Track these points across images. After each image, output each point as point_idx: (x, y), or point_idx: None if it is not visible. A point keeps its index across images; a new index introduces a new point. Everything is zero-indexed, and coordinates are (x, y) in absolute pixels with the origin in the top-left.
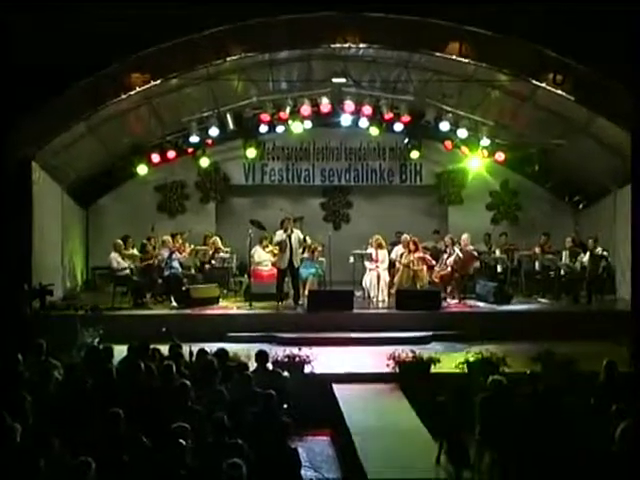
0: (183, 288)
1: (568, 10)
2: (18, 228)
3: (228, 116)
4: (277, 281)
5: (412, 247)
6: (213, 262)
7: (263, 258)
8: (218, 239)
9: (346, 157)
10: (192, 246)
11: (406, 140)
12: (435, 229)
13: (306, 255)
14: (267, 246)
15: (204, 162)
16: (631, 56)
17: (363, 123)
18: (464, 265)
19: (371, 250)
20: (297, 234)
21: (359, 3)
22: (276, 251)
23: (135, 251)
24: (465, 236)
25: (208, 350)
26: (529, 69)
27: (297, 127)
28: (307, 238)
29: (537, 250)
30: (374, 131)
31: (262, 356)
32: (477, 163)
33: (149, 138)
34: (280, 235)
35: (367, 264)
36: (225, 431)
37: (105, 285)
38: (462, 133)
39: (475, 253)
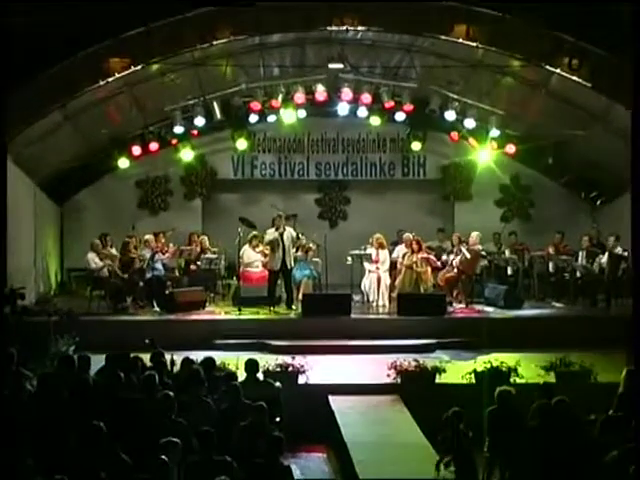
0: (166, 292)
1: None
2: None
3: (215, 105)
4: (269, 284)
5: (415, 247)
6: (199, 263)
7: (253, 259)
8: (206, 238)
9: (343, 149)
10: (176, 246)
11: (408, 131)
12: (440, 227)
13: (299, 254)
14: (257, 246)
15: (189, 155)
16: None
17: (362, 112)
18: (470, 265)
19: (371, 250)
20: (290, 232)
21: None
22: (267, 251)
23: (114, 251)
24: (474, 235)
25: (194, 359)
26: (542, 53)
27: (290, 116)
28: (301, 236)
29: (551, 250)
30: (374, 121)
31: (252, 365)
32: (486, 156)
33: (129, 129)
34: (271, 234)
35: (366, 265)
36: (212, 447)
37: (81, 288)
38: (469, 123)
39: (482, 252)
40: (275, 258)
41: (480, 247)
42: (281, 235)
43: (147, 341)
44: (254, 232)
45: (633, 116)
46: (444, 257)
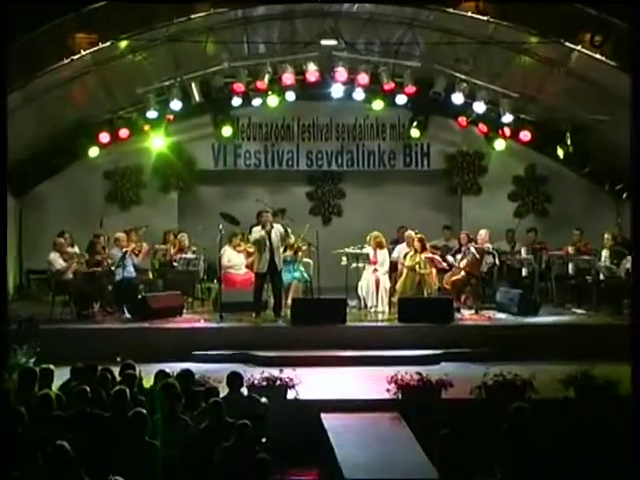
0: (138, 296)
1: None
2: None
3: (193, 86)
4: (255, 288)
5: (418, 246)
6: (175, 264)
7: (235, 260)
8: (185, 236)
9: (337, 136)
10: (150, 245)
11: (410, 116)
12: (446, 224)
13: (288, 254)
14: (239, 245)
15: (164, 142)
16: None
17: (358, 95)
18: (480, 266)
19: (368, 250)
20: (278, 230)
21: None
22: (251, 250)
23: (76, 250)
24: (483, 232)
25: (169, 372)
26: (561, 28)
27: (277, 100)
28: (290, 234)
29: (570, 250)
30: (372, 104)
31: (235, 379)
32: (498, 144)
33: (97, 113)
34: (257, 232)
35: (363, 266)
36: (191, 470)
37: (43, 293)
38: (479, 107)
39: (489, 248)
40: (262, 259)
41: (490, 246)
42: (268, 233)
43: (118, 359)
44: (235, 230)
45: (633, 116)
46: (450, 257)
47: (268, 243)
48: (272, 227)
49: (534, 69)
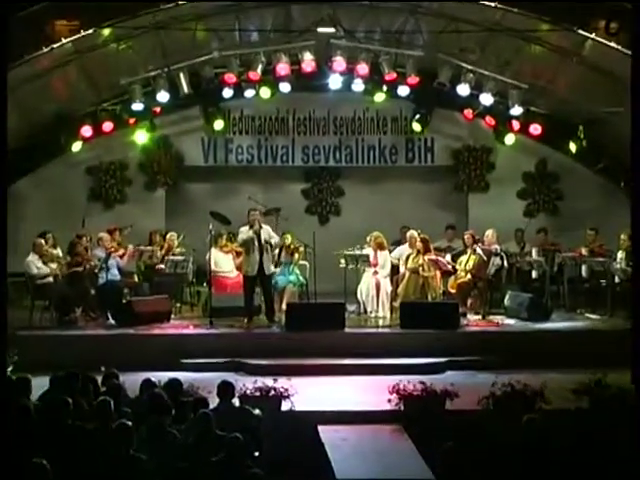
0: (123, 301)
1: None
2: None
3: (181, 76)
4: (244, 292)
5: (421, 247)
6: (162, 267)
7: (222, 263)
8: (175, 236)
9: (335, 130)
10: (135, 246)
11: (413, 108)
12: (450, 224)
13: (283, 256)
14: (225, 246)
15: (151, 136)
16: None
17: (357, 86)
18: (485, 267)
19: (368, 251)
20: (267, 231)
21: None
22: (240, 250)
23: (59, 251)
24: (490, 232)
25: (156, 381)
26: (574, 15)
27: (271, 91)
28: (287, 235)
29: (584, 251)
30: (372, 96)
31: (226, 389)
32: (506, 138)
33: (79, 105)
34: (246, 232)
35: (363, 269)
36: None
37: (21, 297)
38: (486, 99)
39: (497, 249)
40: (250, 261)
41: (498, 247)
42: (257, 233)
43: (102, 368)
44: (220, 230)
45: (633, 115)
46: (463, 259)
47: (257, 244)
48: (261, 227)
49: (545, 58)
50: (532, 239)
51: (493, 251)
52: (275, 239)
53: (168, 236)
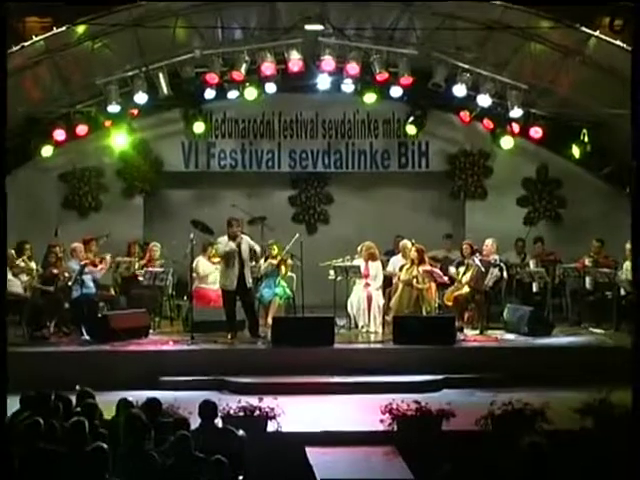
0: (99, 315)
1: None
2: None
3: (160, 77)
4: (225, 306)
5: (415, 257)
6: (140, 279)
7: (209, 272)
8: (158, 247)
9: (324, 133)
10: (112, 257)
11: (407, 110)
12: (447, 233)
13: (268, 267)
14: (214, 256)
15: (128, 140)
16: None
17: (347, 87)
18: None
19: (359, 262)
20: (247, 240)
21: None
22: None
23: (33, 263)
24: (489, 242)
25: (133, 401)
26: (577, 12)
27: (256, 92)
28: (272, 245)
29: (588, 262)
30: (363, 97)
31: (208, 409)
32: (505, 142)
33: (51, 107)
34: (225, 244)
35: (356, 281)
36: None
37: None
38: (484, 100)
39: (495, 260)
40: (230, 274)
41: (497, 257)
42: (238, 245)
43: (77, 387)
44: (210, 239)
45: (633, 116)
46: (452, 270)
47: (238, 257)
48: (242, 239)
49: (546, 57)
50: (532, 249)
51: (492, 262)
52: (257, 247)
53: (151, 246)
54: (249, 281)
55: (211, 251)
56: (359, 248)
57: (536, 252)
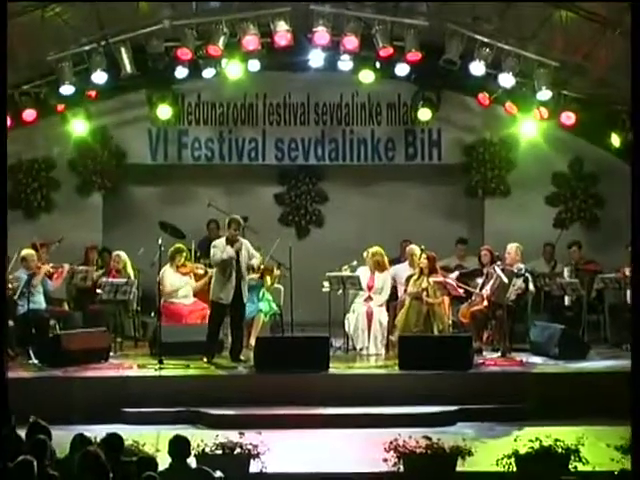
0: (50, 335)
1: None
2: None
3: (123, 52)
4: (210, 322)
5: (426, 266)
6: (100, 292)
7: (178, 285)
8: (123, 256)
9: (317, 119)
10: (70, 267)
11: (415, 91)
12: (462, 237)
13: (253, 278)
14: (184, 265)
15: (83, 127)
16: None
17: (345, 64)
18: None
19: (364, 271)
20: (247, 247)
21: None
22: (200, 272)
23: None
24: (513, 248)
25: (91, 437)
26: None
27: (236, 70)
28: (257, 254)
29: (628, 272)
30: (363, 77)
31: (180, 446)
32: (531, 129)
33: None
34: (222, 249)
35: (355, 294)
36: None
37: None
38: (506, 80)
39: (520, 270)
40: (226, 286)
41: (522, 266)
42: (237, 252)
43: (31, 419)
44: (179, 245)
45: (633, 116)
46: (479, 281)
47: (235, 265)
48: (241, 244)
49: (580, 30)
50: (564, 256)
51: (516, 271)
52: (256, 258)
53: (113, 256)
54: (246, 294)
55: (180, 259)
56: (365, 254)
57: (572, 259)
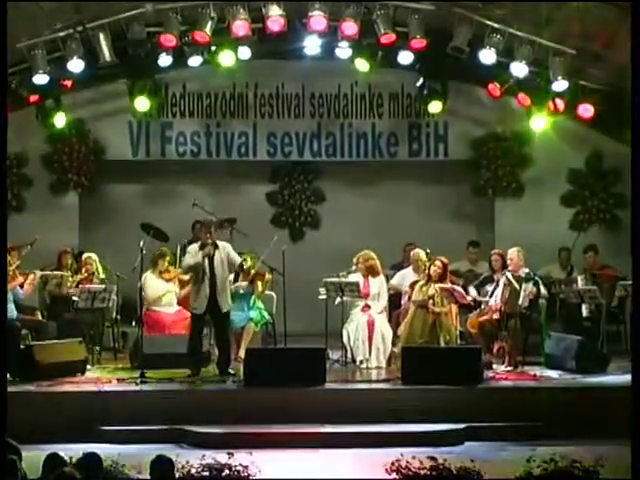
0: (21, 346)
1: None
2: None
3: (101, 38)
4: (190, 334)
5: (436, 274)
6: (76, 300)
7: (161, 292)
8: (94, 260)
9: (313, 112)
10: (42, 271)
11: (420, 82)
12: (472, 240)
13: (242, 285)
14: (167, 271)
15: (59, 120)
16: None
17: (343, 51)
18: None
19: (356, 277)
20: (226, 250)
21: None
22: (186, 278)
23: None
24: (514, 253)
25: (65, 457)
26: None
27: (226, 58)
28: (248, 258)
29: None
30: (362, 65)
31: (163, 467)
32: (546, 122)
33: None
34: (194, 254)
35: (352, 302)
36: None
37: None
38: (519, 69)
39: (528, 274)
40: (199, 295)
41: (526, 270)
42: (209, 256)
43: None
44: (162, 248)
45: (633, 116)
46: (473, 292)
47: (208, 272)
48: (216, 247)
49: (599, 15)
50: (581, 261)
51: (523, 276)
52: (238, 262)
53: (84, 258)
54: (224, 303)
55: (162, 264)
56: (355, 259)
57: (588, 264)
